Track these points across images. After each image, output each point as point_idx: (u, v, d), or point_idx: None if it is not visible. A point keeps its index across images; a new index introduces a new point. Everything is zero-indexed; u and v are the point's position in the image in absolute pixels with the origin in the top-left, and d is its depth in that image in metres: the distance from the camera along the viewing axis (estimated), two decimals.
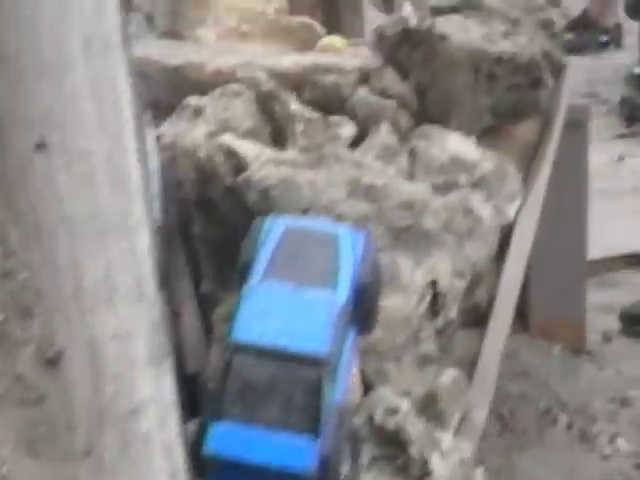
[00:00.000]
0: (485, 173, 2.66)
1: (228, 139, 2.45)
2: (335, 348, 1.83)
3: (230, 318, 1.90)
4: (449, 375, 2.21)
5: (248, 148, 2.44)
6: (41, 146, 1.75)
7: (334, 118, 2.76)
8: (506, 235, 2.65)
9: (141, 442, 1.81)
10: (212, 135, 2.50)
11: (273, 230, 2.05)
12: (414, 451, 2.00)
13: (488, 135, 2.93)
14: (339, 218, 2.25)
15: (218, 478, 1.84)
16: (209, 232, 2.44)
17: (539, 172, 2.83)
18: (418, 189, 2.43)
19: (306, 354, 1.78)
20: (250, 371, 1.80)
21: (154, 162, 2.34)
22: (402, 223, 2.33)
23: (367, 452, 2.02)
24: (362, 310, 2.01)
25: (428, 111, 2.88)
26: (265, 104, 2.77)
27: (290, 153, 2.51)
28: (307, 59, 2.98)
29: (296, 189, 2.27)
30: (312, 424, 1.77)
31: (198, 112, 2.69)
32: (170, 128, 2.67)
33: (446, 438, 2.07)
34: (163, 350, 1.88)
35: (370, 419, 2.08)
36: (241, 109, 2.70)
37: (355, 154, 2.56)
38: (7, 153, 1.75)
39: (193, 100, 2.71)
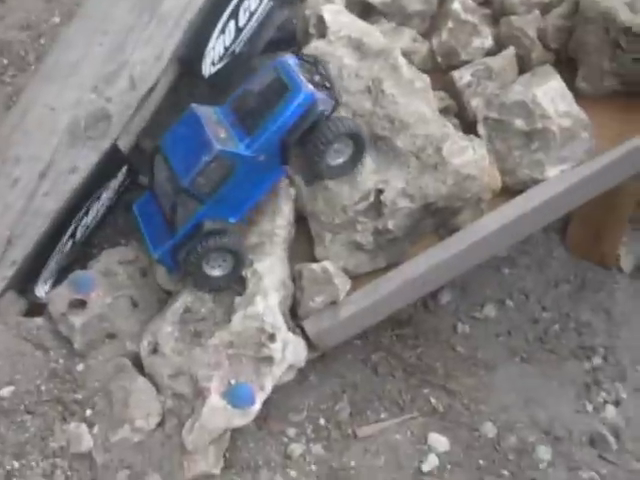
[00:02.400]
0: (549, 127, 2.82)
1: (324, 10, 2.92)
2: (203, 182, 2.53)
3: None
4: (322, 265, 2.75)
5: (332, 18, 2.89)
6: None
7: (481, 28, 3.12)
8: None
9: None
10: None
11: (269, 64, 2.67)
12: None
13: (620, 99, 2.95)
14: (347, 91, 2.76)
15: None
16: None
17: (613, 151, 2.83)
18: (416, 110, 2.73)
19: (177, 177, 2.57)
20: (159, 165, 2.67)
21: None
22: (382, 132, 2.76)
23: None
24: (284, 158, 2.61)
25: (567, 53, 3.02)
26: None
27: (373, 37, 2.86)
28: None
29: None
30: (171, 229, 2.65)
31: None
32: None
33: (260, 305, 2.59)
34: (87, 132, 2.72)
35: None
36: None
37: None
38: None
39: None
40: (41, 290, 2.91)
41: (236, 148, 2.60)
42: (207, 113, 2.71)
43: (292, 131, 2.61)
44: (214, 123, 2.66)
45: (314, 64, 2.76)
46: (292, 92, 2.59)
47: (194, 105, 2.72)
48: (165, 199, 2.72)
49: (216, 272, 2.72)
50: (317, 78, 2.70)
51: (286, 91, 2.61)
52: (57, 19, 2.91)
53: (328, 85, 2.71)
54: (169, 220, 2.68)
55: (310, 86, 2.62)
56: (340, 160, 2.73)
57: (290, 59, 2.71)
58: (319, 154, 2.67)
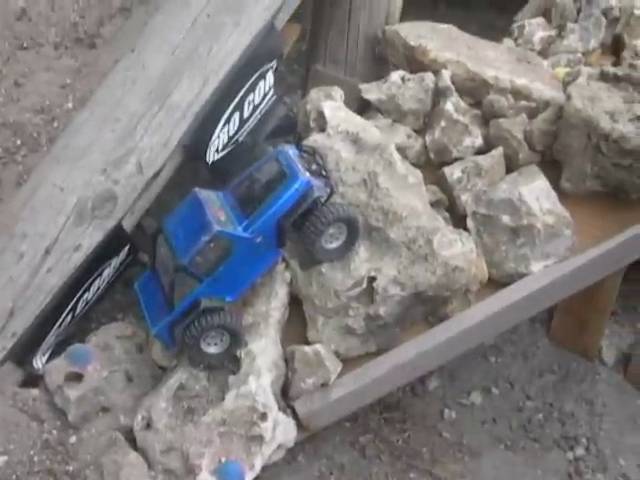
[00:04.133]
0: (534, 224, 2.95)
1: (324, 106, 3.11)
2: (201, 261, 2.66)
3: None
4: (314, 348, 2.84)
5: (331, 114, 3.08)
6: None
7: (472, 128, 3.28)
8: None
9: None
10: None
11: (271, 153, 2.86)
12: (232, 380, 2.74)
13: (600, 199, 3.10)
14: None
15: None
16: None
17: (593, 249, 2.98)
18: (409, 204, 2.87)
19: (177, 256, 2.70)
20: (161, 245, 2.82)
21: None
22: (376, 223, 2.88)
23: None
24: (280, 241, 2.75)
25: (552, 155, 3.18)
26: (436, 95, 3.42)
27: (368, 133, 3.03)
28: (506, 77, 3.38)
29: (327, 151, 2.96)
30: (170, 306, 2.75)
31: (386, 81, 3.45)
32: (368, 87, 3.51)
33: (252, 385, 2.69)
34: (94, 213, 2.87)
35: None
36: (411, 92, 3.40)
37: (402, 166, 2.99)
38: None
39: (395, 75, 3.45)
40: (38, 362, 2.98)
41: (234, 230, 2.73)
42: (209, 197, 2.84)
43: (288, 215, 2.76)
44: (215, 207, 2.80)
45: (312, 154, 2.93)
46: (289, 178, 2.75)
47: (197, 189, 2.86)
48: (165, 277, 2.84)
49: (212, 349, 2.82)
50: (314, 167, 2.87)
51: (284, 178, 2.77)
52: (70, 104, 3.07)
53: (324, 174, 2.88)
54: (168, 298, 2.79)
55: (307, 174, 2.78)
56: (334, 244, 2.88)
57: (290, 150, 2.88)
58: (314, 237, 2.81)
